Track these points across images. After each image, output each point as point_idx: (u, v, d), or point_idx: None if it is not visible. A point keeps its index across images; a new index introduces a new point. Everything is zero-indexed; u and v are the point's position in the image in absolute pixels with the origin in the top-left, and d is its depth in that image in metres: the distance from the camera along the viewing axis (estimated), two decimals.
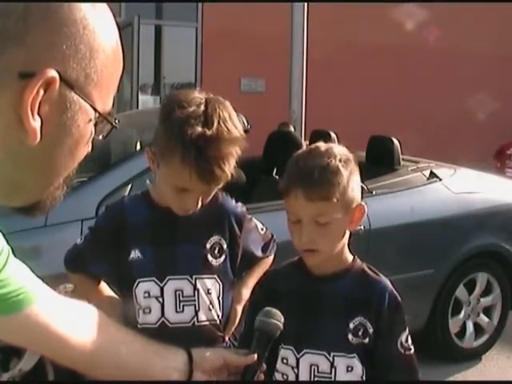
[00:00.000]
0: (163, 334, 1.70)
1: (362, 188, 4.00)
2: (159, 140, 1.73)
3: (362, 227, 3.62)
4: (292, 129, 5.51)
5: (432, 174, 4.37)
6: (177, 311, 1.83)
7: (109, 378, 1.34)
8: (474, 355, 4.42)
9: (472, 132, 10.64)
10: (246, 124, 3.54)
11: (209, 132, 1.64)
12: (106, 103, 0.87)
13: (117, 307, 1.89)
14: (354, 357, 1.61)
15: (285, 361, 1.64)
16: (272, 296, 1.65)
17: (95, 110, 0.85)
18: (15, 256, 1.17)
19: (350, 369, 1.61)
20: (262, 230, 2.02)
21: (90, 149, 0.90)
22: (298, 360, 1.63)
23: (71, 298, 1.31)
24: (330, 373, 1.61)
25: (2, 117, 0.79)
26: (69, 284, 2.65)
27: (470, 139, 10.32)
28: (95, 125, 0.87)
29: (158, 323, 1.83)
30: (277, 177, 4.62)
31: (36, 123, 0.79)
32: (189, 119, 1.65)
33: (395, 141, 4.61)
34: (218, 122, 1.66)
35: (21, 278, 1.16)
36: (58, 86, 0.79)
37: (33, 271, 1.21)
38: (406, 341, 1.65)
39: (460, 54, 10.86)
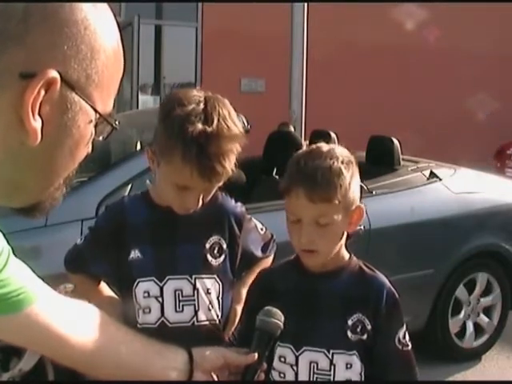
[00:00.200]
0: (163, 333, 1.70)
1: (362, 188, 4.00)
2: (159, 138, 1.73)
3: (362, 227, 3.62)
4: (292, 129, 5.51)
5: (432, 174, 4.37)
6: (176, 311, 1.83)
7: (109, 378, 1.34)
8: (474, 355, 4.42)
9: (472, 132, 10.64)
10: (245, 124, 3.54)
11: (209, 129, 1.65)
12: (106, 104, 0.87)
13: (117, 307, 1.89)
14: (353, 354, 1.62)
15: (282, 359, 1.64)
16: (269, 295, 1.64)
17: (96, 110, 0.85)
18: (15, 256, 1.17)
19: (349, 366, 1.62)
20: (262, 229, 2.02)
21: (89, 150, 0.90)
22: (297, 358, 1.63)
23: (71, 298, 1.31)
24: (330, 370, 1.62)
25: (3, 117, 0.79)
26: (69, 284, 2.65)
27: (469, 139, 10.32)
28: (95, 126, 0.87)
29: (158, 323, 1.83)
30: (277, 177, 4.62)
31: (37, 123, 0.79)
32: (189, 117, 1.66)
33: (395, 141, 4.61)
34: (218, 120, 1.67)
35: (21, 277, 1.16)
36: (59, 86, 0.79)
37: (33, 271, 1.21)
38: (404, 337, 1.66)
39: (460, 54, 10.86)
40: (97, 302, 1.81)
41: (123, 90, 7.22)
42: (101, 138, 0.90)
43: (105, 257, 1.89)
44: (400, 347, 1.65)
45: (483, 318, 4.44)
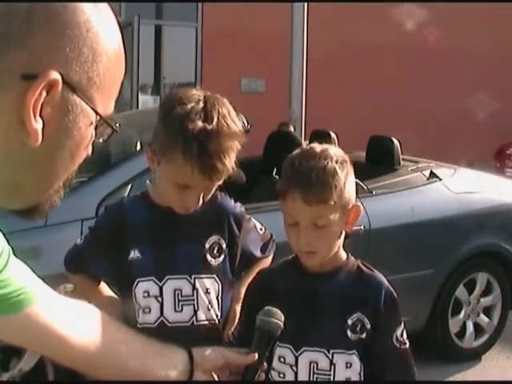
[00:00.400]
0: (162, 333, 1.70)
1: (362, 188, 3.99)
2: (159, 137, 1.74)
3: (362, 227, 3.62)
4: (292, 129, 5.51)
5: (432, 174, 4.37)
6: (176, 311, 1.83)
7: (109, 378, 1.34)
8: (474, 355, 4.42)
9: (472, 132, 10.64)
10: (246, 124, 3.54)
11: (209, 127, 1.66)
12: (107, 106, 0.87)
13: (117, 307, 1.89)
14: (353, 353, 1.62)
15: (282, 359, 1.64)
16: (268, 295, 1.64)
17: (97, 113, 0.85)
18: (15, 256, 1.17)
19: (348, 365, 1.62)
20: (261, 230, 2.02)
21: (89, 152, 0.90)
22: (296, 358, 1.63)
23: (71, 298, 1.31)
24: (330, 370, 1.62)
25: (4, 118, 0.79)
26: (69, 284, 2.65)
27: (469, 139, 10.32)
28: (96, 128, 0.87)
29: (157, 322, 1.83)
30: (277, 177, 4.62)
31: (38, 125, 0.79)
32: (189, 115, 1.67)
33: (395, 141, 4.61)
34: (218, 118, 1.68)
35: (21, 278, 1.16)
36: (61, 88, 0.79)
37: (33, 271, 1.21)
38: (402, 335, 1.67)
39: (460, 54, 10.85)
40: (97, 302, 1.81)
41: (123, 90, 7.22)
42: (101, 140, 0.90)
43: (105, 257, 1.89)
44: (398, 345, 1.65)
45: (483, 318, 4.44)
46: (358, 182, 3.83)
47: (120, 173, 3.42)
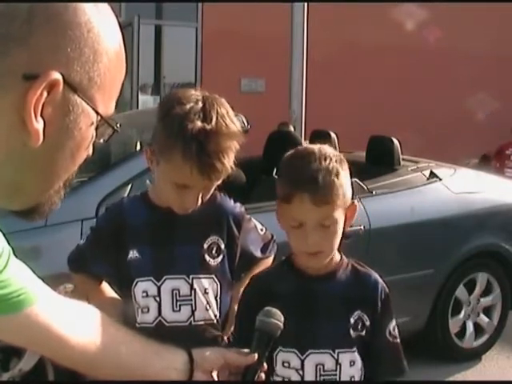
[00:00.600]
0: (160, 333, 1.70)
1: (362, 187, 4.00)
2: (159, 137, 1.74)
3: (362, 227, 3.62)
4: (292, 129, 5.51)
5: (432, 174, 4.37)
6: (173, 310, 1.83)
7: (109, 378, 1.34)
8: (474, 355, 4.42)
9: (472, 132, 10.64)
10: (246, 124, 3.54)
11: (208, 126, 1.67)
12: (108, 107, 0.87)
13: (118, 308, 1.90)
14: (355, 351, 1.65)
15: (286, 364, 1.65)
16: (266, 297, 1.64)
17: (98, 113, 0.85)
18: (16, 256, 1.17)
19: (352, 363, 1.65)
20: (262, 230, 2.01)
21: (90, 152, 0.90)
22: (302, 362, 1.64)
23: (71, 299, 1.31)
24: (336, 370, 1.64)
25: (5, 118, 0.79)
26: (69, 284, 2.65)
27: (469, 139, 10.32)
28: (97, 128, 0.87)
29: (155, 322, 1.83)
30: (277, 177, 4.61)
31: (39, 125, 0.79)
32: (188, 115, 1.67)
33: (395, 141, 4.61)
34: (217, 118, 1.69)
35: (21, 278, 1.16)
36: (62, 88, 0.79)
37: (33, 271, 1.21)
38: (394, 329, 1.71)
39: (459, 54, 10.85)
40: (97, 302, 1.82)
41: (123, 90, 7.21)
42: (102, 140, 0.90)
43: (105, 257, 1.90)
44: (391, 339, 1.70)
45: (483, 318, 4.44)
46: (358, 181, 3.83)
47: (120, 173, 3.42)
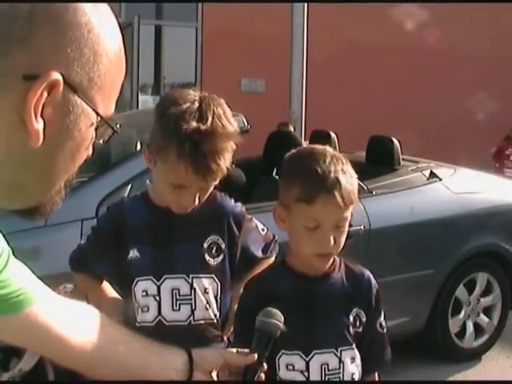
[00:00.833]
0: (160, 332, 1.71)
1: (362, 187, 3.99)
2: (155, 138, 1.76)
3: (362, 227, 3.62)
4: (292, 129, 5.50)
5: (432, 174, 4.37)
6: (173, 309, 1.83)
7: (109, 379, 1.34)
8: (474, 355, 4.42)
9: (472, 132, 10.65)
10: (246, 124, 3.54)
11: (203, 127, 1.67)
12: (108, 107, 0.87)
13: (119, 307, 1.90)
14: (354, 347, 1.68)
15: (290, 367, 1.65)
16: (266, 298, 1.63)
17: (97, 113, 0.85)
18: (15, 256, 1.17)
19: (352, 360, 1.68)
20: (263, 230, 2.01)
21: (90, 152, 0.90)
22: (307, 363, 1.65)
23: (71, 299, 1.31)
24: (339, 368, 1.66)
25: (6, 118, 0.79)
26: (69, 284, 2.66)
27: (469, 139, 10.33)
28: (96, 128, 0.87)
29: (155, 321, 1.84)
30: (277, 177, 4.61)
31: (39, 125, 0.79)
32: (183, 115, 1.68)
33: (395, 141, 4.61)
34: (213, 118, 1.69)
35: (21, 278, 1.16)
36: (62, 89, 0.80)
37: (33, 271, 1.21)
38: (383, 321, 1.77)
39: (459, 54, 10.86)
40: (98, 302, 1.82)
41: (123, 91, 7.21)
42: (101, 141, 0.91)
43: (106, 257, 1.90)
44: (381, 331, 1.75)
45: (483, 318, 4.44)
46: (358, 181, 3.82)
47: (120, 173, 3.42)
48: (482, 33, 10.90)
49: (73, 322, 1.26)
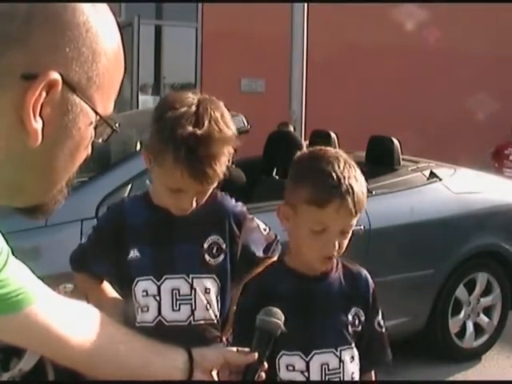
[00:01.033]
0: (160, 332, 1.70)
1: None
2: (152, 141, 1.76)
3: (362, 227, 3.62)
4: (292, 129, 5.51)
5: (432, 174, 4.37)
6: (173, 310, 1.83)
7: (108, 378, 1.34)
8: (474, 355, 4.42)
9: (472, 132, 10.65)
10: (246, 124, 3.54)
11: (199, 132, 1.66)
12: (107, 106, 0.87)
13: (119, 307, 1.90)
14: (353, 346, 1.69)
15: (291, 367, 1.65)
16: (266, 298, 1.63)
17: (96, 113, 0.85)
18: (15, 256, 1.17)
19: (352, 359, 1.68)
20: (265, 230, 1.99)
21: (89, 152, 0.90)
22: (307, 363, 1.65)
23: (71, 299, 1.31)
24: (339, 368, 1.67)
25: (5, 118, 0.79)
26: (69, 284, 2.66)
27: (469, 139, 10.33)
28: (95, 128, 0.87)
29: (155, 321, 1.83)
30: (277, 177, 4.62)
31: (37, 125, 0.79)
32: (180, 119, 1.67)
33: (395, 141, 4.61)
34: (209, 122, 1.68)
35: (20, 278, 1.16)
36: (60, 88, 0.80)
37: (33, 271, 1.21)
38: (381, 320, 1.77)
39: (459, 54, 10.85)
40: (98, 301, 1.82)
41: (123, 90, 7.22)
42: (100, 140, 0.91)
43: (106, 257, 1.90)
44: (379, 329, 1.75)
45: (483, 318, 4.44)
46: None
47: (120, 173, 3.42)
48: (482, 33, 10.90)
49: (73, 321, 1.26)
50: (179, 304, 1.83)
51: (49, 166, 0.85)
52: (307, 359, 1.65)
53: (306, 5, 6.18)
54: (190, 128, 1.66)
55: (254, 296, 1.71)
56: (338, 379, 1.67)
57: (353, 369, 1.68)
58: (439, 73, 10.79)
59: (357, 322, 1.70)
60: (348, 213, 1.59)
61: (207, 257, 1.85)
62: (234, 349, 1.41)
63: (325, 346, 1.66)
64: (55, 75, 0.78)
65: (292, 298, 1.66)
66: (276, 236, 2.01)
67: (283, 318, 1.41)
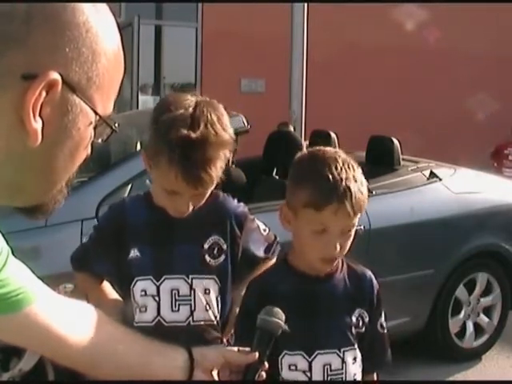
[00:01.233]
0: (159, 332, 1.70)
1: None
2: (150, 142, 1.76)
3: (362, 227, 3.62)
4: (292, 129, 5.51)
5: (432, 174, 4.37)
6: (172, 310, 1.83)
7: (108, 378, 1.34)
8: (474, 355, 4.42)
9: (472, 132, 10.65)
10: (246, 124, 3.54)
11: (194, 135, 1.65)
12: (106, 107, 0.87)
13: (118, 308, 1.90)
14: (356, 348, 1.68)
15: (293, 367, 1.65)
16: (268, 299, 1.61)
17: (96, 113, 0.85)
18: (15, 256, 1.17)
19: (354, 360, 1.68)
20: (265, 231, 1.98)
21: (89, 152, 0.90)
22: (310, 363, 1.65)
23: (71, 299, 1.31)
24: (342, 368, 1.66)
25: (5, 118, 0.79)
26: (69, 284, 2.66)
27: (469, 139, 10.33)
28: (95, 128, 0.87)
29: (154, 322, 1.83)
30: (277, 177, 4.62)
31: (37, 125, 0.79)
32: (175, 122, 1.67)
33: (395, 141, 4.61)
34: (206, 125, 1.67)
35: (20, 278, 1.16)
36: (60, 88, 0.80)
37: (33, 271, 1.21)
38: (383, 322, 1.77)
39: (459, 54, 10.85)
40: (97, 302, 1.82)
41: (123, 90, 7.22)
42: (100, 140, 0.91)
43: (107, 256, 1.90)
44: (381, 331, 1.75)
45: (483, 318, 4.44)
46: None
47: (120, 173, 3.42)
48: (482, 33, 10.90)
49: (72, 321, 1.26)
50: (178, 304, 1.83)
51: (48, 165, 0.85)
52: (310, 359, 1.65)
53: (305, 5, 6.18)
54: (185, 131, 1.65)
55: (255, 296, 1.70)
56: (339, 380, 1.67)
57: (355, 370, 1.68)
58: (439, 73, 10.79)
59: (360, 323, 1.69)
60: (346, 215, 1.59)
61: (207, 257, 1.85)
62: (235, 348, 1.40)
63: (328, 347, 1.66)
64: (55, 75, 0.78)
65: (294, 298, 1.66)
66: (276, 237, 2.01)
67: (284, 317, 1.41)
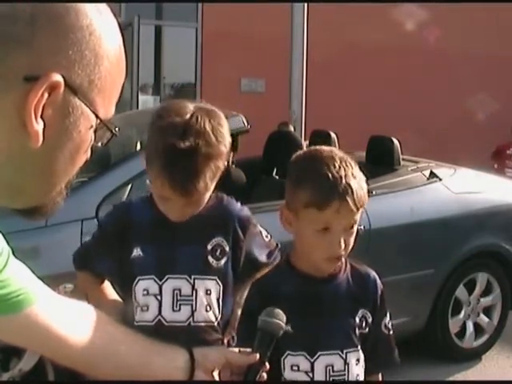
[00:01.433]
0: (160, 332, 1.70)
1: None
2: (145, 146, 1.78)
3: (362, 227, 3.63)
4: (292, 129, 5.51)
5: (432, 174, 4.37)
6: (173, 310, 1.83)
7: (109, 378, 1.34)
8: (474, 355, 4.43)
9: (472, 132, 10.65)
10: (246, 124, 3.54)
11: (182, 145, 1.65)
12: (108, 110, 0.87)
13: (118, 308, 1.90)
14: (359, 349, 1.67)
15: (295, 368, 1.65)
16: (270, 300, 1.61)
17: (97, 116, 0.85)
18: (15, 256, 1.17)
19: (357, 361, 1.67)
20: (267, 237, 1.98)
21: (88, 155, 0.90)
22: (312, 364, 1.64)
23: (71, 299, 1.31)
24: (344, 370, 1.66)
25: (7, 119, 0.79)
26: (69, 284, 2.66)
27: (469, 139, 10.33)
28: (95, 131, 0.87)
29: (155, 321, 1.83)
30: (277, 177, 4.62)
31: (39, 126, 0.79)
32: (167, 130, 1.68)
33: (395, 141, 4.61)
34: (198, 135, 1.67)
35: (21, 278, 1.16)
36: (62, 90, 0.80)
37: (33, 271, 1.21)
38: (388, 323, 1.75)
39: (459, 54, 10.86)
40: (97, 302, 1.82)
41: (123, 91, 7.21)
42: (100, 143, 0.91)
43: (110, 255, 1.91)
44: (386, 332, 1.74)
45: (483, 318, 4.44)
46: None
47: (120, 173, 3.42)
48: (482, 33, 10.90)
49: (73, 321, 1.26)
50: (180, 304, 1.83)
51: (49, 167, 0.85)
52: (312, 360, 1.64)
53: (305, 5, 6.18)
54: (174, 140, 1.65)
55: (258, 297, 1.70)
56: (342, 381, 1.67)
57: (357, 371, 1.67)
58: (439, 72, 10.79)
59: (364, 324, 1.68)
60: (349, 211, 1.58)
61: (210, 258, 1.85)
62: (236, 349, 1.40)
63: (331, 348, 1.65)
64: (57, 77, 0.78)
65: (296, 299, 1.65)
66: (277, 245, 2.00)
67: (285, 318, 1.41)
